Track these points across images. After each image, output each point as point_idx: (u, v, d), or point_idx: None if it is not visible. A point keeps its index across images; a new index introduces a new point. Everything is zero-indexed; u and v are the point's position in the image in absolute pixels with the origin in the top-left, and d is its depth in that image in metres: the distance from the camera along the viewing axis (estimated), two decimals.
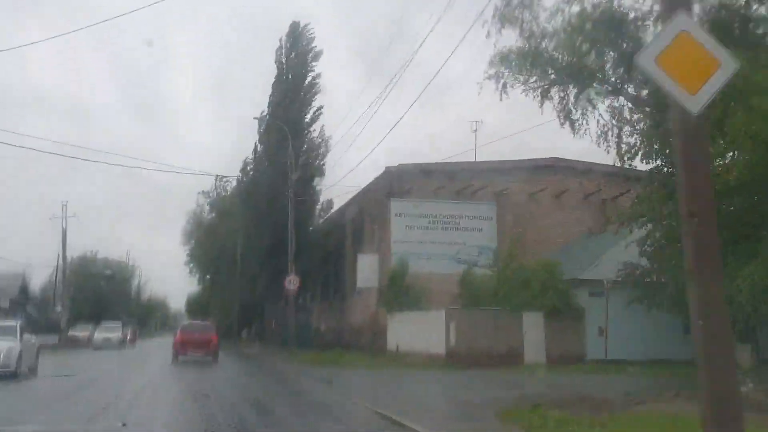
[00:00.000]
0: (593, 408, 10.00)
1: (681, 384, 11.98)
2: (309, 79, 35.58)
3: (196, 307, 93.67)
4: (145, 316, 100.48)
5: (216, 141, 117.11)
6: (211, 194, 51.88)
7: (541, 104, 17.73)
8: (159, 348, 37.69)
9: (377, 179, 28.96)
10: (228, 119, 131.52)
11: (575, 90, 17.59)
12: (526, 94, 17.80)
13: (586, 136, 18.50)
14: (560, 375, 18.08)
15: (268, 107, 37.16)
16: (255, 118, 36.93)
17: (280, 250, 32.91)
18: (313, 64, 35.68)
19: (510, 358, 21.02)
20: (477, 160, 30.99)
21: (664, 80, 4.40)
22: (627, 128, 17.02)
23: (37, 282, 54.96)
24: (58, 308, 52.06)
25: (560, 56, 16.80)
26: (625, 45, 16.01)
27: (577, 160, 29.60)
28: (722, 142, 12.72)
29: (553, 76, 17.25)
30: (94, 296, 52.47)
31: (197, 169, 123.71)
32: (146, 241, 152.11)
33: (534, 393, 12.42)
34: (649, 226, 15.75)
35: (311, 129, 35.36)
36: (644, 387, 14.03)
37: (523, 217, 28.20)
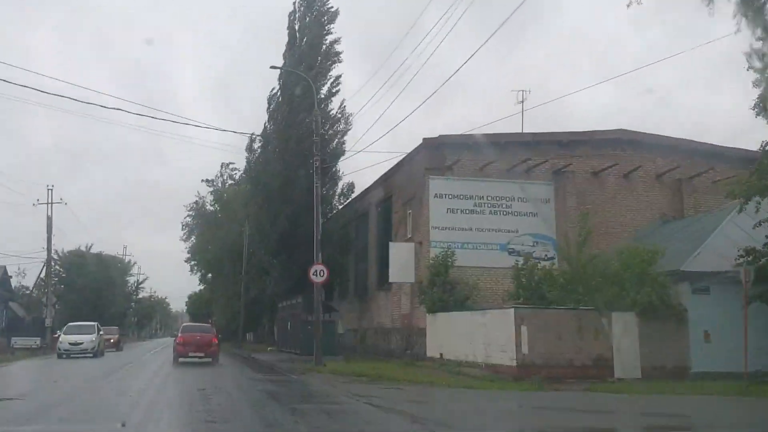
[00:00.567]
0: None
1: None
2: (326, 44, 30.96)
3: (198, 307, 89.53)
4: (144, 316, 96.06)
5: (221, 139, 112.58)
6: (215, 182, 47.31)
7: None
8: (150, 355, 32.79)
9: (412, 154, 24.39)
10: (231, 119, 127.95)
11: None
12: None
13: None
14: (683, 398, 13.56)
15: (279, 80, 32.58)
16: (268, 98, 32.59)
17: (295, 239, 28.46)
18: (331, 26, 31.07)
19: (596, 371, 16.47)
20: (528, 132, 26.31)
21: None
22: None
23: (31, 279, 50.77)
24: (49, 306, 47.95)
25: None
26: None
27: (648, 133, 25.07)
28: None
29: None
30: (87, 294, 47.82)
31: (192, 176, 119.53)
32: (148, 242, 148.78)
33: None
34: None
35: (329, 102, 30.72)
36: None
37: (587, 200, 23.62)
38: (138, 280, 71.81)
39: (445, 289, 21.37)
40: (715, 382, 15.10)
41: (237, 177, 47.15)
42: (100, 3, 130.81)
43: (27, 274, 49.67)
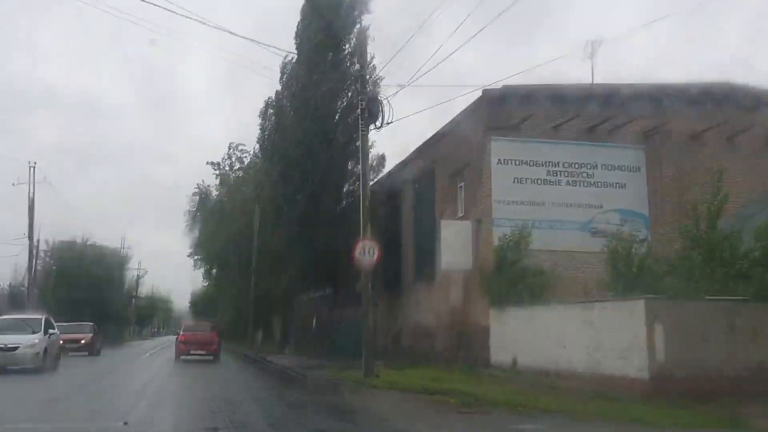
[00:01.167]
0: None
1: None
2: None
3: (201, 305, 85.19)
4: (145, 314, 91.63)
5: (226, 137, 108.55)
6: (221, 165, 42.64)
7: None
8: (145, 359, 28.00)
9: (467, 112, 19.73)
10: (236, 119, 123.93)
11: None
12: None
13: None
14: None
15: (295, 40, 27.87)
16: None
17: (317, 222, 23.91)
18: None
19: (755, 384, 11.79)
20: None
21: None
22: None
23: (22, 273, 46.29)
24: (40, 302, 43.51)
25: None
26: None
27: (760, 89, 20.35)
28: None
29: None
30: (83, 290, 43.20)
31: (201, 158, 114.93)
32: (152, 241, 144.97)
33: None
34: None
35: (355, 60, 26.01)
36: None
37: (686, 167, 18.98)
38: (138, 275, 67.26)
39: (516, 279, 16.74)
40: None
41: (246, 161, 42.54)
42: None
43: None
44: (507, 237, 17.28)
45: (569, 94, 18.67)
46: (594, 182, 18.91)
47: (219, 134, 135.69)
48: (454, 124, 20.32)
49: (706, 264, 13.42)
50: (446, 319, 21.02)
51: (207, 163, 42.50)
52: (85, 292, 43.15)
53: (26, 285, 42.84)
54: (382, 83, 19.83)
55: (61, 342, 21.08)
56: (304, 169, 24.49)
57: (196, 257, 58.96)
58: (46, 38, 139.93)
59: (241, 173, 43.00)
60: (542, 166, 18.65)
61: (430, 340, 21.83)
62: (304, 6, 27.65)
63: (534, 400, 11.14)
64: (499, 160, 18.48)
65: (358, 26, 24.93)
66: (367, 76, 18.86)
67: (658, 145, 18.97)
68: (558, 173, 18.75)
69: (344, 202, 25.67)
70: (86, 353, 26.34)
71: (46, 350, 18.04)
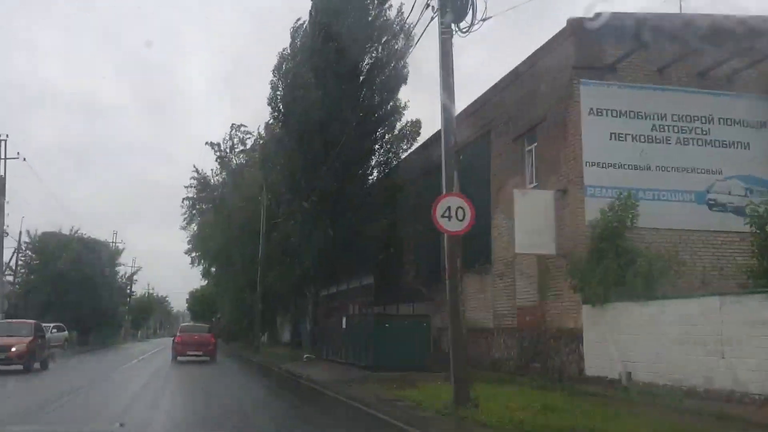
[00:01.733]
0: None
1: None
2: None
3: (200, 305, 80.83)
4: (140, 314, 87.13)
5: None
6: (222, 147, 38.11)
7: None
8: (122, 372, 20.11)
9: (546, 47, 15.41)
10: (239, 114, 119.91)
11: None
12: None
13: None
14: None
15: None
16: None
17: (343, 200, 19.54)
18: None
19: None
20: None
21: None
22: None
23: None
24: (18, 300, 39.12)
25: None
26: None
27: None
28: None
29: None
30: (67, 285, 38.71)
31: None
32: (149, 240, 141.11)
33: None
34: None
35: (382, 9, 21.70)
36: None
37: None
38: (132, 271, 62.63)
39: (625, 265, 12.40)
40: None
41: (250, 143, 38.03)
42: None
43: None
44: (607, 210, 12.92)
45: (679, 27, 14.30)
46: (711, 141, 14.59)
47: (220, 134, 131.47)
48: (527, 65, 15.96)
49: None
50: (509, 319, 16.67)
51: (206, 143, 38.01)
52: (69, 288, 38.68)
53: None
54: None
55: None
56: (326, 135, 20.12)
57: (193, 254, 54.69)
58: (46, 38, 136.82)
59: (243, 157, 38.47)
60: (646, 118, 14.31)
61: (488, 344, 17.44)
62: None
63: None
64: (591, 109, 14.12)
65: None
66: None
67: None
68: (666, 128, 14.40)
69: (374, 174, 21.35)
70: (19, 366, 17.37)
71: None
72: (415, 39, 15.23)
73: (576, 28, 14.24)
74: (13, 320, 23.23)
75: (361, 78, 21.25)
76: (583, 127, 14.03)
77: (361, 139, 20.52)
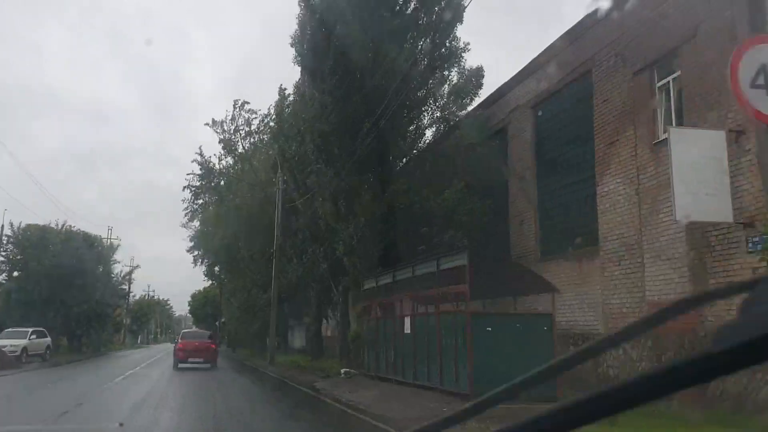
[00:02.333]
0: None
1: None
2: None
3: (203, 309, 76.44)
4: (141, 318, 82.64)
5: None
6: (227, 129, 33.55)
7: None
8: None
9: None
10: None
11: None
12: None
13: None
14: None
15: None
16: None
17: (389, 166, 15.03)
18: None
19: None
20: None
21: None
22: None
23: None
24: None
25: None
26: None
27: None
28: None
29: None
30: (51, 283, 34.15)
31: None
32: (152, 244, 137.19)
33: None
34: None
35: None
36: None
37: None
38: (130, 269, 57.90)
39: None
40: None
41: (255, 124, 33.48)
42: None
43: None
44: None
45: None
46: None
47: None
48: None
49: None
50: (629, 319, 12.05)
51: (205, 124, 33.37)
52: (56, 287, 34.14)
53: None
54: None
55: None
56: (367, 85, 15.58)
57: (195, 253, 50.27)
58: (53, 41, 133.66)
59: (250, 141, 33.96)
60: None
61: (594, 360, 12.82)
62: None
63: None
64: None
65: None
66: None
67: None
68: None
69: (426, 135, 16.85)
70: None
71: None
72: None
73: None
74: None
75: (408, 11, 16.75)
76: None
77: (410, 90, 16.00)
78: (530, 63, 16.04)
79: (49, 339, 29.20)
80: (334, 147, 16.34)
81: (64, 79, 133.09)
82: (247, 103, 33.14)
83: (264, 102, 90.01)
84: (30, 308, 33.70)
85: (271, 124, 32.20)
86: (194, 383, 16.07)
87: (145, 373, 20.54)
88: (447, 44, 16.48)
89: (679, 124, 11.29)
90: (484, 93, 17.27)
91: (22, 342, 26.03)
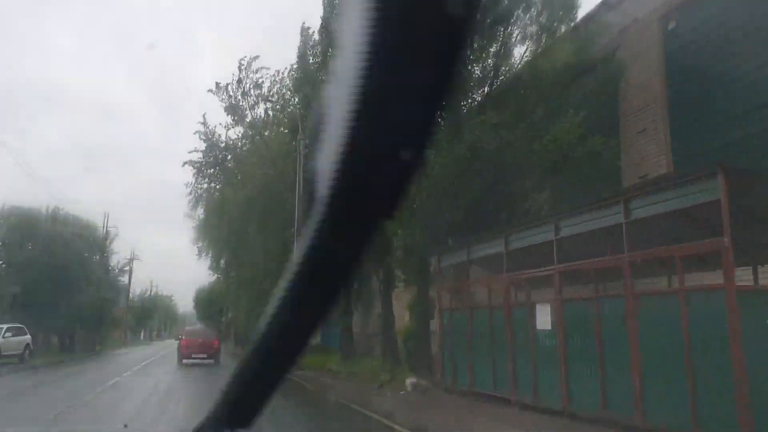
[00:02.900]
0: None
1: None
2: None
3: (207, 304, 72.23)
4: (143, 314, 78.49)
5: None
6: (232, 95, 28.97)
7: None
8: None
9: None
10: None
11: None
12: None
13: None
14: None
15: None
16: None
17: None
18: None
19: None
20: None
21: None
22: None
23: None
24: None
25: None
26: None
27: None
28: None
29: None
30: (38, 272, 29.85)
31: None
32: (156, 242, 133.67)
33: None
34: None
35: None
36: None
37: None
38: (129, 260, 53.59)
39: None
40: None
41: (266, 85, 28.80)
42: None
43: None
44: None
45: None
46: None
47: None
48: None
49: None
50: None
51: (208, 91, 28.75)
52: (41, 279, 29.86)
53: None
54: None
55: None
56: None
57: (200, 244, 45.84)
58: (59, 38, 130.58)
59: (264, 107, 29.39)
60: None
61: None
62: None
63: None
64: None
65: None
66: None
67: None
68: None
69: (524, 47, 12.31)
70: None
71: None
72: None
73: None
74: None
75: None
76: None
77: None
78: None
79: (28, 337, 24.87)
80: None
81: (69, 74, 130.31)
82: (256, 58, 28.29)
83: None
84: (12, 302, 29.49)
85: (287, 81, 27.78)
86: (199, 399, 11.55)
87: (133, 384, 15.78)
88: None
89: None
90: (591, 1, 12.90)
91: None
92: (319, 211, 0.65)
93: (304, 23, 19.67)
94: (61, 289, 31.10)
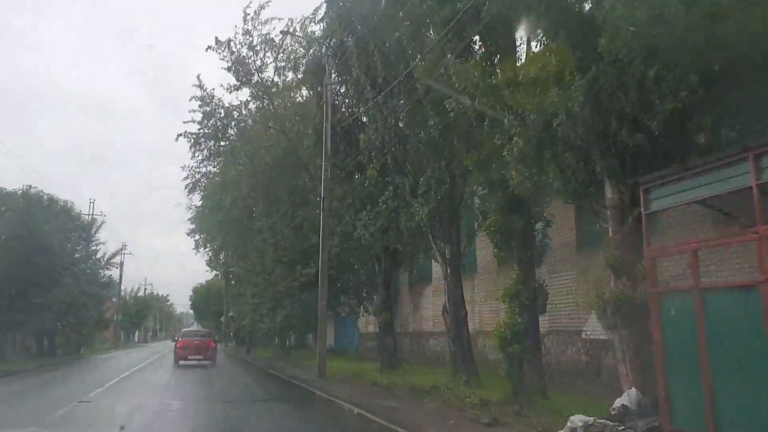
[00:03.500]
0: None
1: None
2: None
3: (205, 304, 67.46)
4: (136, 314, 73.45)
5: None
6: (235, 52, 24.07)
7: None
8: None
9: None
10: None
11: None
12: None
13: None
14: None
15: None
16: None
17: None
18: None
19: None
20: None
21: None
22: None
23: None
24: None
25: None
26: None
27: None
28: None
29: None
30: (5, 262, 25.00)
31: None
32: (153, 242, 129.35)
33: None
34: None
35: None
36: None
37: None
38: (116, 253, 48.43)
39: None
40: None
41: (284, 42, 24.01)
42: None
43: None
44: None
45: None
46: None
47: None
48: None
49: None
50: None
51: (208, 48, 23.69)
52: (7, 267, 25.04)
53: None
54: None
55: None
56: None
57: (197, 237, 41.04)
58: (58, 37, 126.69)
59: (275, 64, 24.50)
60: None
61: None
62: None
63: None
64: None
65: None
66: None
67: None
68: None
69: None
70: None
71: None
72: None
73: None
74: None
75: None
76: None
77: None
78: None
79: None
80: None
81: (69, 73, 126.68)
82: (265, 6, 23.27)
83: None
84: None
85: (299, 37, 23.11)
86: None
87: (105, 406, 10.86)
88: None
89: None
90: None
91: None
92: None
93: None
94: (35, 280, 26.30)
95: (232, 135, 26.73)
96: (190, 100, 24.84)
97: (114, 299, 57.64)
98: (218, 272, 53.42)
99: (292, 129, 25.55)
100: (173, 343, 28.83)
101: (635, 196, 6.97)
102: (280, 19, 24.76)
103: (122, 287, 60.21)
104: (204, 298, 67.63)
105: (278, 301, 24.59)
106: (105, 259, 38.57)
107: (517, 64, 8.79)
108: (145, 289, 79.16)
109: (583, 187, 7.54)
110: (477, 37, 9.78)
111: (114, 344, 55.47)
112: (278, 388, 14.93)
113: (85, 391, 12.62)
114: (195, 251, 44.01)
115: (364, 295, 21.64)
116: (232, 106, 25.72)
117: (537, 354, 9.73)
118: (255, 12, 23.35)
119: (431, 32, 11.03)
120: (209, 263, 50.12)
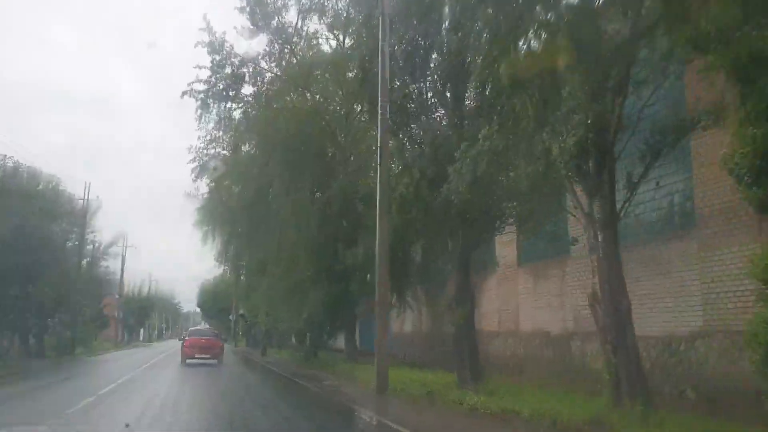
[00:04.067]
0: None
1: None
2: None
3: (213, 302, 63.66)
4: (139, 311, 69.33)
5: None
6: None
7: None
8: None
9: None
10: None
11: None
12: None
13: None
14: None
15: None
16: None
17: None
18: None
19: None
20: None
21: None
22: None
23: None
24: None
25: None
26: None
27: None
28: None
29: None
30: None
31: None
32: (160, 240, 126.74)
33: None
34: None
35: None
36: None
37: None
38: (115, 240, 43.73)
39: None
40: None
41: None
42: None
43: None
44: None
45: None
46: None
47: None
48: None
49: None
50: None
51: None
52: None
53: None
54: None
55: None
56: None
57: (205, 228, 36.71)
58: (60, 35, 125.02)
59: (297, 10, 20.20)
60: None
61: None
62: None
63: None
64: None
65: None
66: None
67: None
68: None
69: None
70: None
71: None
72: None
73: None
74: None
75: None
76: None
77: None
78: None
79: None
80: None
81: (71, 71, 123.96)
82: None
83: None
84: None
85: None
86: None
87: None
88: None
89: None
90: None
91: None
92: None
93: None
94: (11, 270, 21.99)
95: (246, 96, 22.37)
96: (196, 46, 20.45)
97: (116, 295, 53.65)
98: (227, 267, 49.54)
99: (317, 89, 21.35)
100: (180, 342, 28.56)
101: None
102: None
103: (124, 283, 56.14)
104: (211, 295, 63.93)
105: (304, 293, 20.22)
106: (102, 248, 34.20)
107: None
108: (149, 285, 75.12)
109: None
110: None
111: (114, 344, 51.26)
112: (324, 415, 10.42)
113: (63, 407, 8.04)
114: (202, 243, 40.02)
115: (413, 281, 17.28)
116: (248, 56, 21.22)
117: None
118: None
119: None
120: (217, 257, 46.25)
